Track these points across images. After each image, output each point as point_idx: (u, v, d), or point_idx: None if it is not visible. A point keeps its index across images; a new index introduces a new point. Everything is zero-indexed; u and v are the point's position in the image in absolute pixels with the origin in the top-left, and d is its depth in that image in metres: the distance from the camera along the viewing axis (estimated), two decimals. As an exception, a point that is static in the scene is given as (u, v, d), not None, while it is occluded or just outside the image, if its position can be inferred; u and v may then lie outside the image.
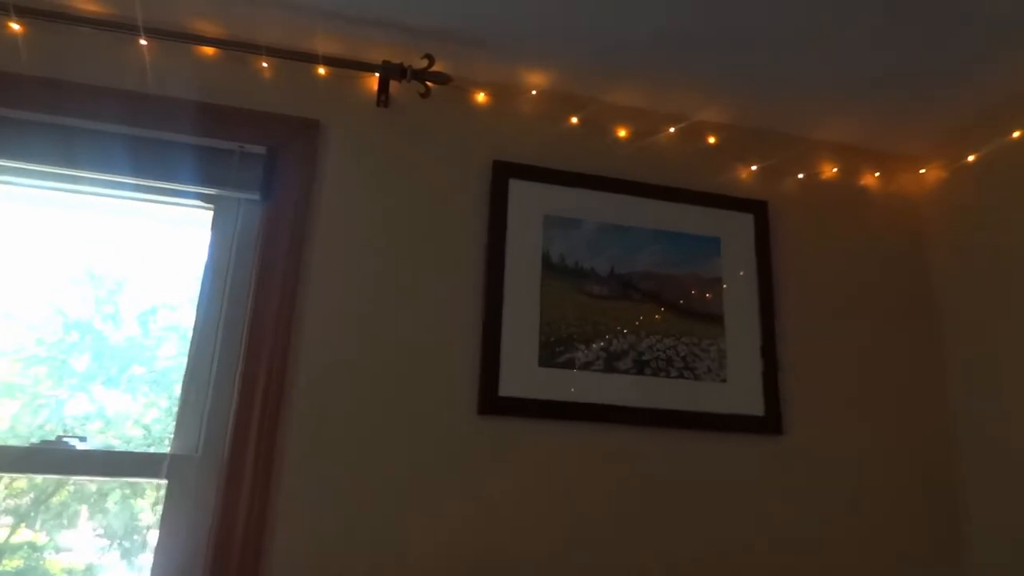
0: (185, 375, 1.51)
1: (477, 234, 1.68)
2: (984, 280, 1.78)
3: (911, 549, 1.70)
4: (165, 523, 1.41)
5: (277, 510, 1.43)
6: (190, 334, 1.54)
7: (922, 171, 2.00)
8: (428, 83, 1.68)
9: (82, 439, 1.44)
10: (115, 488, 1.56)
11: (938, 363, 1.86)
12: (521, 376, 1.59)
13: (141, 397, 1.63)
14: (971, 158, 1.86)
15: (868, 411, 1.78)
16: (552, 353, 1.62)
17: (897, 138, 1.95)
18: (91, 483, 1.54)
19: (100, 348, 1.63)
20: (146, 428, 1.62)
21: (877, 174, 1.99)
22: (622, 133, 1.85)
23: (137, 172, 1.56)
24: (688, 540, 1.59)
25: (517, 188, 1.71)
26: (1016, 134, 1.74)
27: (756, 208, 1.83)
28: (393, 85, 1.72)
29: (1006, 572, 1.63)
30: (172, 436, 1.48)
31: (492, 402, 1.56)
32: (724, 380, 1.69)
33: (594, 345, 1.64)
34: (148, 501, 1.58)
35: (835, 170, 1.96)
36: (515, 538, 1.52)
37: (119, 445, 1.55)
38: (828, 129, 1.93)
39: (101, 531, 1.55)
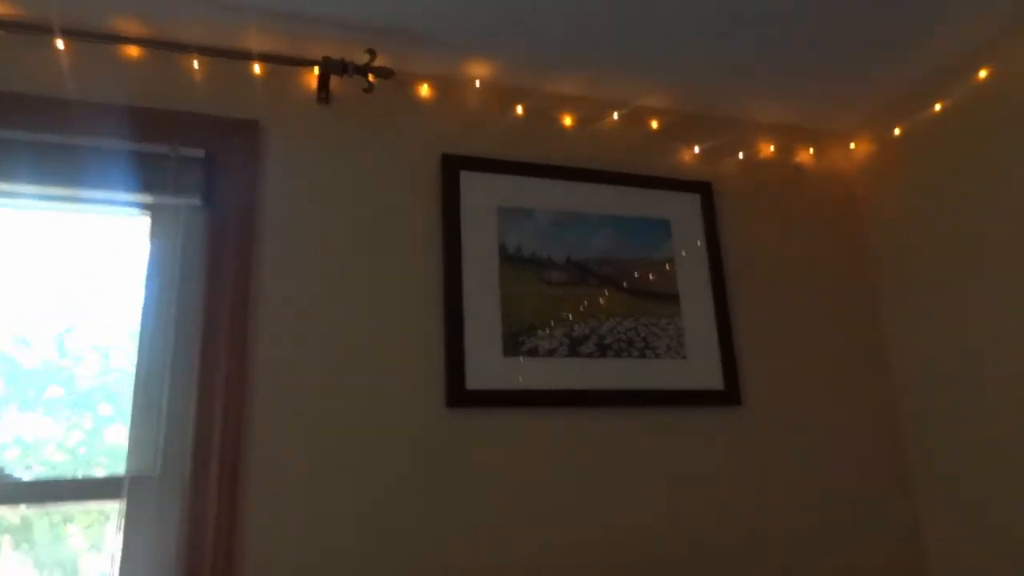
0: (135, 393, 1.44)
1: (432, 229, 1.66)
2: (913, 245, 1.88)
3: (863, 503, 1.78)
4: (127, 546, 1.34)
5: (246, 521, 1.37)
6: (132, 350, 1.47)
7: (852, 145, 2.09)
8: (370, 77, 1.65)
9: (27, 467, 1.35)
10: (42, 516, 1.46)
11: (876, 326, 1.95)
12: (487, 367, 1.58)
13: (63, 420, 1.53)
14: (897, 131, 1.95)
15: (816, 376, 1.85)
16: (515, 343, 1.62)
17: (827, 115, 2.03)
18: (13, 513, 1.43)
19: (14, 372, 1.52)
20: (71, 452, 1.53)
21: (811, 150, 2.07)
22: (568, 121, 1.86)
23: (55, 181, 1.46)
24: (660, 514, 1.62)
25: (468, 180, 1.69)
26: (938, 107, 1.84)
27: (701, 189, 1.88)
28: (334, 81, 1.68)
29: (950, 519, 1.73)
30: (126, 456, 1.40)
31: (460, 395, 1.54)
32: (684, 357, 1.72)
33: (556, 332, 1.65)
34: (80, 525, 1.49)
35: (772, 149, 2.03)
36: (491, 528, 1.51)
37: (43, 472, 1.45)
38: (763, 109, 1.99)
39: (29, 562, 1.44)
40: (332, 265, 1.58)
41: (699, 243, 1.82)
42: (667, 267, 1.78)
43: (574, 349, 1.65)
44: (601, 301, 1.71)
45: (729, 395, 1.72)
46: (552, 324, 1.65)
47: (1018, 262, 1.63)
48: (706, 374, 1.72)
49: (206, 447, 1.39)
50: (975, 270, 1.72)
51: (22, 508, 1.39)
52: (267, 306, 1.51)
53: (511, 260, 1.67)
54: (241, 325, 1.48)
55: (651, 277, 1.77)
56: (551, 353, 1.63)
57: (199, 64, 1.61)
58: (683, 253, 1.81)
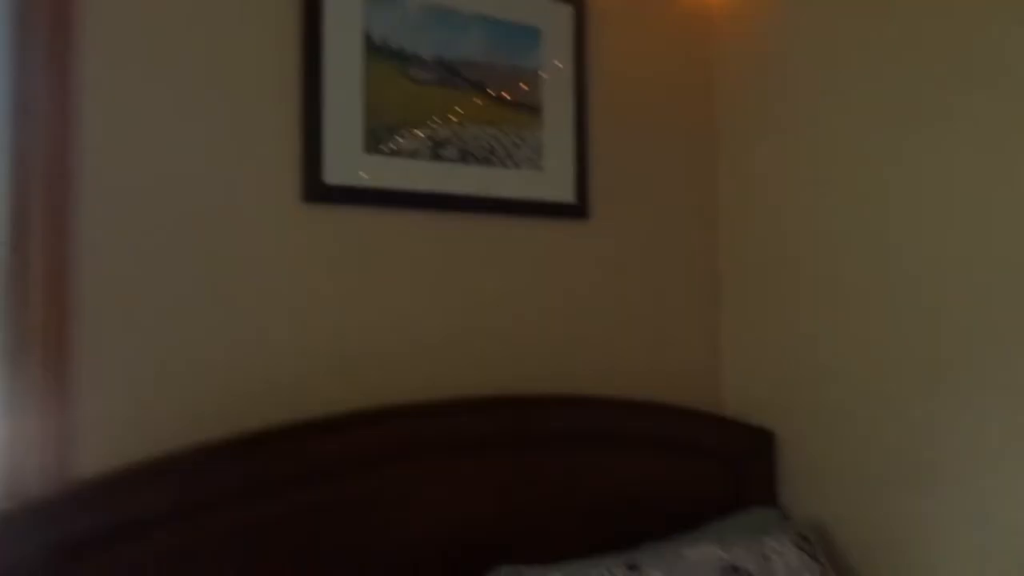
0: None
1: (289, 8, 1.51)
2: (759, 85, 2.01)
3: (679, 312, 2.03)
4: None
5: (77, 309, 1.30)
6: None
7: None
8: None
9: None
10: None
11: (713, 157, 2.10)
12: (346, 163, 1.54)
13: None
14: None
15: (655, 197, 2.00)
16: (377, 140, 1.58)
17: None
18: None
19: None
20: None
21: (682, -25, 2.07)
22: (443, -98, 1.70)
23: None
24: (509, 316, 1.75)
25: (332, -46, 1.53)
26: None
27: (575, 0, 1.84)
28: None
29: (746, 330, 2.03)
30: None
31: (317, 189, 1.51)
32: (541, 169, 1.78)
33: (420, 133, 1.63)
34: None
35: (646, -33, 2.01)
36: (344, 325, 1.55)
37: None
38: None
39: None
40: (173, 38, 1.40)
41: (568, 57, 1.82)
42: (533, 78, 1.78)
43: (436, 152, 1.65)
44: (466, 106, 1.69)
45: (580, 208, 1.83)
46: (416, 124, 1.62)
47: (861, 121, 1.81)
48: (560, 187, 1.81)
49: (25, 237, 1.26)
50: (813, 122, 1.89)
51: None
52: (94, 81, 1.33)
53: (377, 52, 1.58)
54: (62, 98, 1.30)
55: (517, 86, 1.76)
56: (414, 154, 1.62)
57: None
58: (550, 65, 1.80)
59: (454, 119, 1.67)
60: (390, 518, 1.46)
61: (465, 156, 1.68)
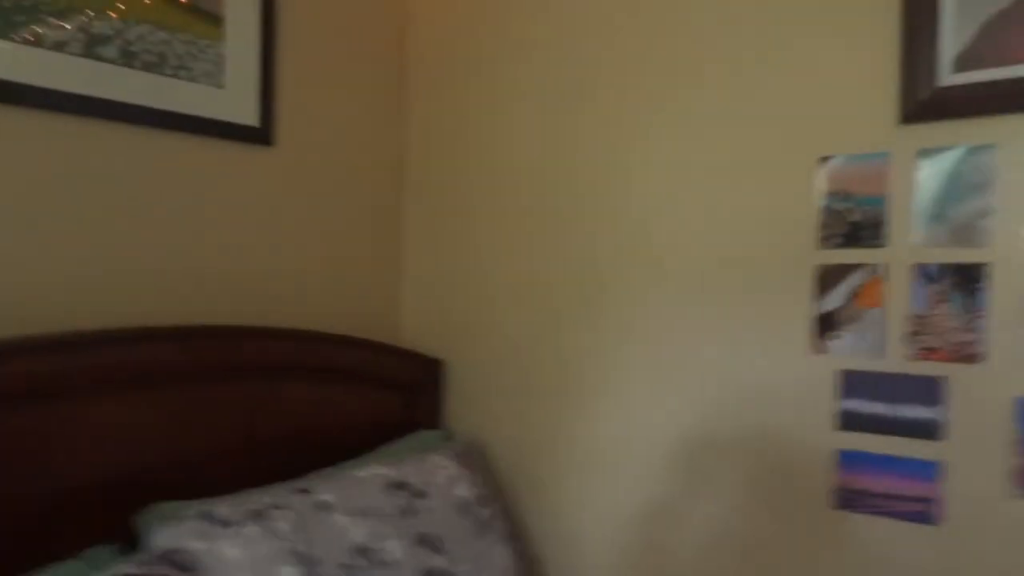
0: None
1: None
2: (451, 26, 2.10)
3: (366, 245, 2.08)
4: None
5: None
6: None
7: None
8: None
9: None
10: None
11: (405, 91, 2.16)
12: (-37, 45, 1.26)
13: None
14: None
15: (344, 127, 1.98)
16: (10, 22, 1.32)
17: None
18: None
19: None
20: None
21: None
22: None
23: None
24: (178, 243, 1.62)
25: None
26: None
27: (267, -93, 1.72)
28: None
29: (424, 255, 2.16)
30: None
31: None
32: (222, 87, 1.65)
33: (69, 20, 1.40)
34: None
35: None
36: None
37: None
38: None
39: None
40: None
41: (255, -33, 1.70)
42: (216, -17, 1.63)
43: (92, 49, 1.43)
44: (132, 1, 1.48)
45: (264, 133, 1.74)
46: (65, 12, 1.39)
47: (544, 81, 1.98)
48: (243, 108, 1.70)
49: None
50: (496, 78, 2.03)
51: None
52: None
53: (10, -87, 1.31)
54: None
55: (197, -11, 1.60)
56: (60, 46, 1.39)
57: None
58: (236, -27, 1.67)
59: (115, 14, 1.46)
60: (52, 455, 1.30)
61: (129, 59, 1.49)
